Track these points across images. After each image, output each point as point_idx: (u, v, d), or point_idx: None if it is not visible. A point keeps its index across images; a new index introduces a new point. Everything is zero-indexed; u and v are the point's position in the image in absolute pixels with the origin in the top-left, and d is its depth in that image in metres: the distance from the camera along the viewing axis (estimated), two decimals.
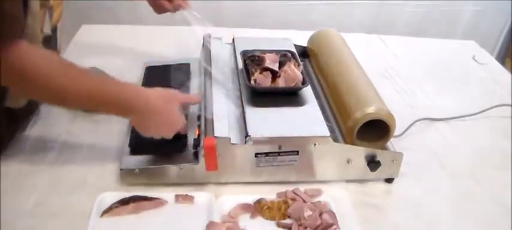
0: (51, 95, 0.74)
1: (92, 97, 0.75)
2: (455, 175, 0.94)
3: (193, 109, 0.93)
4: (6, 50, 0.65)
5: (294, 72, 0.90)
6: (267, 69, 0.90)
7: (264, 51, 0.96)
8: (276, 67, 0.91)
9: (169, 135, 0.81)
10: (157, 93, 0.81)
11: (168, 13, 1.06)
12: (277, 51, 0.97)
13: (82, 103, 0.81)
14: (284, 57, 0.96)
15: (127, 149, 0.85)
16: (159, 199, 0.79)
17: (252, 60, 0.94)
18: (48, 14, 0.87)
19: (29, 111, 0.96)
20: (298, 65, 0.94)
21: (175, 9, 1.04)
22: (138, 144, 0.85)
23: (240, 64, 0.96)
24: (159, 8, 1.06)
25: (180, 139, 0.86)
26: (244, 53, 0.97)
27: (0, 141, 0.86)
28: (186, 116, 0.86)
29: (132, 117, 0.80)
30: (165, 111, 0.80)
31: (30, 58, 0.68)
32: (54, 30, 0.92)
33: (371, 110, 0.83)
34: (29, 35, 0.77)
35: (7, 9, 0.65)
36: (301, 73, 0.91)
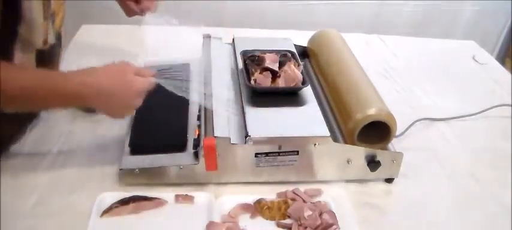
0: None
1: (35, 93, 0.71)
2: (455, 175, 0.94)
3: (194, 110, 0.93)
4: None
5: (294, 72, 0.90)
6: (267, 69, 0.90)
7: (264, 51, 0.96)
8: (276, 67, 0.91)
9: (138, 104, 0.78)
10: (108, 75, 0.76)
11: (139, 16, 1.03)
12: (277, 51, 0.97)
13: (23, 103, 0.74)
14: (284, 57, 0.95)
15: (127, 149, 0.85)
16: (159, 199, 0.79)
17: (252, 60, 0.94)
18: (51, 21, 0.86)
19: (29, 112, 0.96)
20: (298, 65, 0.94)
21: (142, 11, 1.02)
22: (138, 144, 0.85)
23: (240, 64, 0.96)
24: (128, 11, 1.04)
25: (180, 138, 0.86)
26: (244, 53, 0.97)
27: (0, 141, 0.86)
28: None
29: (91, 105, 0.79)
30: (122, 88, 0.76)
31: None
32: (58, 37, 0.91)
33: (372, 112, 0.83)
34: (21, 42, 0.77)
35: None
36: (301, 73, 0.91)
